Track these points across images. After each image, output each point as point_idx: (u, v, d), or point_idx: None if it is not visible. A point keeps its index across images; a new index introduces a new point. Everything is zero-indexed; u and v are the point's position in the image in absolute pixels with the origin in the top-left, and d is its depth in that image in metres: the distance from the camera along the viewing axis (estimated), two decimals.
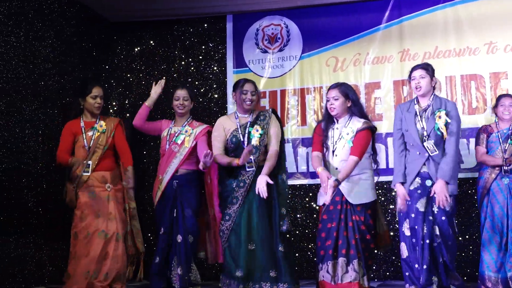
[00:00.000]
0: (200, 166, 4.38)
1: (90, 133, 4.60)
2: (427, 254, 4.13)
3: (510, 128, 4.67)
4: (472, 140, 5.11)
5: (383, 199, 5.52)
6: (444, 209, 4.14)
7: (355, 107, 4.33)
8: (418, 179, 4.22)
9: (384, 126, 5.55)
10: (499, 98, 4.81)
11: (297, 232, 5.72)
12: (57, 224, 4.98)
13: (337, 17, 5.84)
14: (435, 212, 4.19)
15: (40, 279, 4.95)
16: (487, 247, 4.56)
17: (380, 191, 5.42)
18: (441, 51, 5.53)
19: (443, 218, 4.18)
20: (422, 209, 4.18)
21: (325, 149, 4.36)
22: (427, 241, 4.14)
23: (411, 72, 4.39)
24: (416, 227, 4.18)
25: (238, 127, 4.50)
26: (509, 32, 5.36)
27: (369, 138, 4.27)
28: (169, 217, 4.68)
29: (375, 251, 4.40)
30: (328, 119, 4.39)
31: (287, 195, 4.61)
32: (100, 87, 4.68)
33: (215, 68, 6.14)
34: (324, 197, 4.21)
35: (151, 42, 6.29)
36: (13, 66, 4.81)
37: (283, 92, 5.93)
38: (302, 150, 5.78)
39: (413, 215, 4.20)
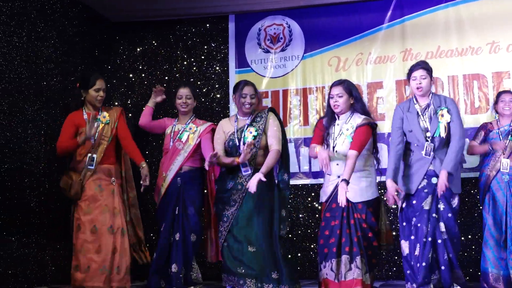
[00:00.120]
0: (206, 166, 4.37)
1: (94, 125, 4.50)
2: (427, 252, 4.15)
3: (511, 125, 4.67)
4: None
5: (385, 199, 5.49)
6: (450, 206, 4.16)
7: (357, 104, 4.34)
8: (425, 178, 4.25)
9: (386, 126, 5.53)
10: (499, 95, 4.82)
11: (299, 232, 5.72)
12: (60, 224, 4.97)
13: (339, 17, 5.84)
14: (441, 210, 4.21)
15: (42, 279, 4.95)
16: (489, 244, 4.57)
17: (382, 191, 5.40)
18: (443, 51, 5.53)
19: (449, 215, 4.21)
20: (426, 207, 4.21)
21: (325, 146, 4.35)
22: (430, 239, 4.16)
23: (411, 71, 4.39)
24: (419, 224, 4.19)
25: (235, 130, 4.50)
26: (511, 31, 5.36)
27: (368, 133, 4.26)
28: (171, 214, 4.68)
29: (379, 249, 4.39)
30: (330, 116, 4.39)
31: (288, 196, 4.60)
32: (103, 80, 4.65)
33: (217, 68, 6.14)
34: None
35: (153, 42, 6.28)
36: (15, 66, 4.81)
37: (285, 92, 5.93)
38: (304, 150, 5.77)
39: (417, 213, 4.22)
